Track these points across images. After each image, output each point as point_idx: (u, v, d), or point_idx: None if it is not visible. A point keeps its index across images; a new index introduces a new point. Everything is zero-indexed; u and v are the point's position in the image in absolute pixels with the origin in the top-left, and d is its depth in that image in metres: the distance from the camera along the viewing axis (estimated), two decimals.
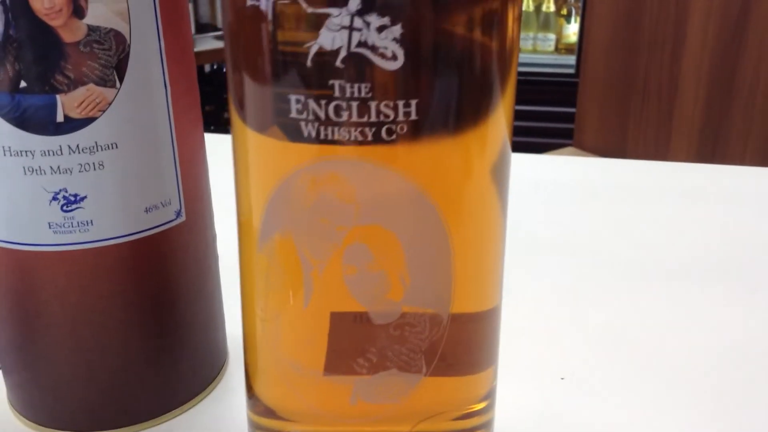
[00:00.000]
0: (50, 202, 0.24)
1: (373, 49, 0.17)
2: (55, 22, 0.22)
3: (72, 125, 0.23)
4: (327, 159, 0.18)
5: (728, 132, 1.23)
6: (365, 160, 0.18)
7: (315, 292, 0.20)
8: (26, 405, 0.27)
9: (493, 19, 0.18)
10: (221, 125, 1.82)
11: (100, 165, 0.24)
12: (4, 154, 0.23)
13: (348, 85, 0.17)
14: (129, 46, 0.23)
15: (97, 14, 0.22)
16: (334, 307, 0.21)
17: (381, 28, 0.17)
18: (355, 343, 0.21)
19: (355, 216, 0.19)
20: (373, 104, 0.17)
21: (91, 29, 0.22)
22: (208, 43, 1.77)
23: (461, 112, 0.19)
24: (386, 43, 0.17)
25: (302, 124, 0.18)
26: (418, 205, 0.19)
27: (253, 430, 0.24)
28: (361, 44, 0.17)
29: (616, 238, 0.44)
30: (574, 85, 1.64)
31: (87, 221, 0.24)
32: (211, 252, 0.29)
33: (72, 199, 0.24)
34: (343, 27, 0.17)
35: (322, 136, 0.18)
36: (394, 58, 0.17)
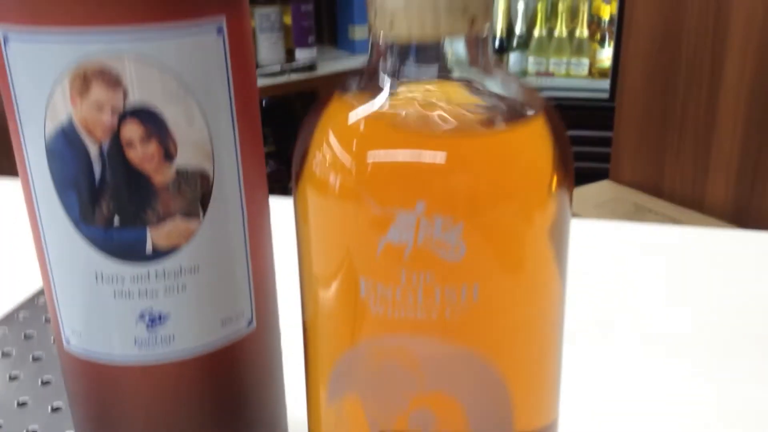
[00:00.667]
0: (137, 321, 0.26)
1: (438, 244, 0.19)
2: (147, 168, 0.24)
3: (159, 254, 0.25)
4: (394, 334, 0.20)
5: (766, 167, 1.23)
6: (429, 336, 0.20)
7: None
8: None
9: (544, 216, 0.20)
10: None
11: (183, 287, 0.26)
12: (97, 280, 0.25)
13: (414, 274, 0.19)
14: (212, 182, 0.25)
15: (186, 158, 0.24)
16: None
17: (445, 227, 0.18)
18: None
19: (420, 384, 0.21)
20: (437, 289, 0.19)
21: (180, 171, 0.24)
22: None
23: (518, 291, 0.20)
24: (450, 239, 0.19)
25: (371, 303, 0.20)
26: (479, 370, 0.21)
27: None
28: (427, 240, 0.19)
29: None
30: (609, 109, 1.64)
31: (169, 336, 0.26)
32: (277, 352, 0.31)
33: (157, 318, 0.26)
34: (410, 226, 0.19)
35: (389, 316, 0.20)
36: (457, 251, 0.19)
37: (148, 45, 0.23)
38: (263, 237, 0.28)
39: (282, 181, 1.72)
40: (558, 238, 0.21)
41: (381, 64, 0.21)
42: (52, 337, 0.41)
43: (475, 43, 0.20)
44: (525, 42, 2.80)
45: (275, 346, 0.30)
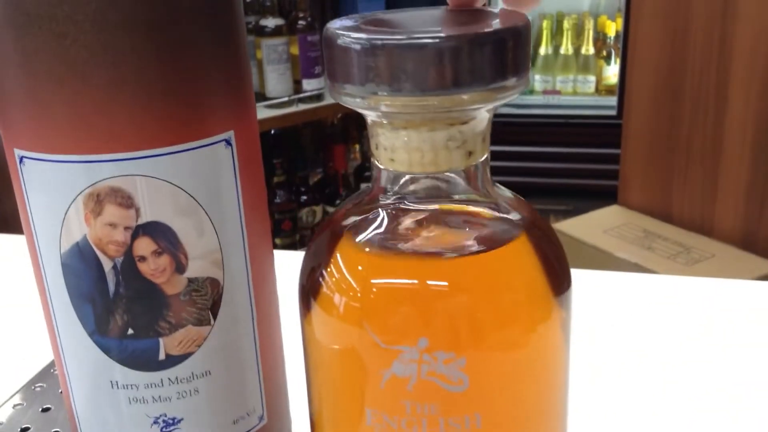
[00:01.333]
0: (151, 425, 0.26)
1: (441, 377, 0.19)
2: (159, 280, 0.25)
3: (172, 361, 0.26)
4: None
5: None
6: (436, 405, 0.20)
7: None
8: None
9: (546, 332, 0.21)
10: (269, 188, 1.86)
11: (195, 391, 0.26)
12: (112, 387, 0.26)
13: (418, 405, 0.20)
14: (222, 288, 0.26)
15: (196, 268, 0.25)
16: None
17: (447, 361, 0.19)
18: None
19: None
20: (441, 420, 0.20)
21: (191, 281, 0.25)
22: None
23: (522, 411, 0.21)
24: (452, 372, 0.19)
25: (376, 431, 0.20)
26: None
27: None
28: (430, 373, 0.19)
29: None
30: (617, 126, 1.65)
31: None
32: None
33: (171, 422, 0.26)
34: (413, 360, 0.19)
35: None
36: (461, 383, 0.19)
37: (157, 166, 0.24)
38: (273, 333, 0.29)
39: (291, 211, 1.73)
40: (561, 344, 0.22)
41: (383, 192, 0.21)
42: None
43: (473, 172, 0.21)
44: (531, 60, 2.81)
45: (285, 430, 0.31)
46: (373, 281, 0.20)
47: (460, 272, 0.20)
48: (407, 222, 0.21)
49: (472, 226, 0.22)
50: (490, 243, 0.21)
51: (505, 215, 0.21)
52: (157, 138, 0.23)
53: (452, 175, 0.20)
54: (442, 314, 0.19)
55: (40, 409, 0.43)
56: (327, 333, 0.21)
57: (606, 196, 1.63)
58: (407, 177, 0.20)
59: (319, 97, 1.69)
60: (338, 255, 0.21)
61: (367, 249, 0.21)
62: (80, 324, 0.25)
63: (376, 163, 0.21)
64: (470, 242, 0.21)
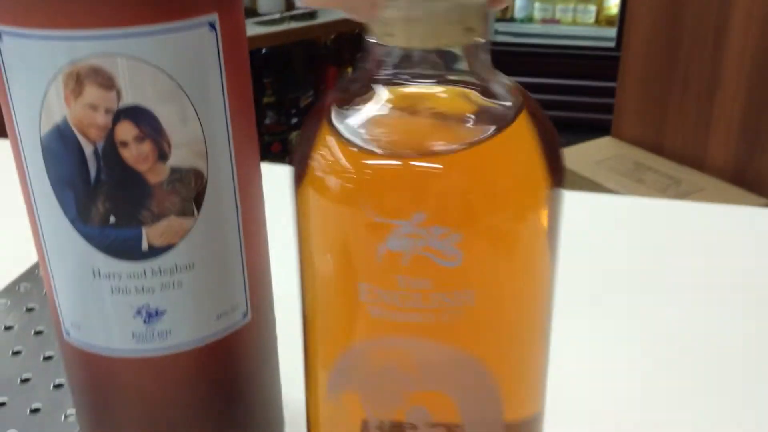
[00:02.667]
0: (134, 316, 0.26)
1: (435, 252, 0.19)
2: (142, 167, 0.24)
3: (155, 252, 0.25)
4: (392, 336, 0.21)
5: None
6: (426, 339, 0.20)
7: None
8: None
9: (538, 220, 0.20)
10: (259, 108, 1.83)
11: (178, 283, 0.26)
12: (94, 276, 0.26)
13: (412, 281, 0.19)
14: (206, 180, 0.25)
15: (180, 157, 0.24)
16: None
17: (443, 236, 0.19)
18: None
19: (416, 383, 0.21)
20: (434, 295, 0.19)
21: (174, 170, 0.25)
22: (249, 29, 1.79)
23: (514, 294, 0.21)
24: (447, 247, 0.19)
25: (369, 307, 0.20)
26: (473, 371, 0.21)
27: None
28: (425, 248, 0.19)
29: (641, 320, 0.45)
30: (615, 59, 1.63)
31: (166, 331, 0.27)
32: (272, 339, 0.31)
33: (153, 313, 0.26)
34: (409, 235, 0.19)
35: (388, 319, 0.20)
36: (455, 258, 0.19)
37: (139, 45, 0.23)
38: (258, 231, 0.28)
39: (281, 133, 1.71)
40: (552, 237, 0.22)
41: (378, 69, 0.20)
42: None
43: (472, 51, 0.20)
44: None
45: (270, 336, 0.31)
46: (367, 161, 0.20)
47: (455, 154, 0.20)
48: (402, 101, 0.21)
49: (468, 108, 0.21)
50: (486, 125, 0.21)
51: (502, 100, 0.21)
52: (138, 14, 0.22)
53: (450, 50, 0.20)
54: (437, 189, 0.19)
55: (24, 309, 0.43)
56: (323, 214, 0.21)
57: (600, 130, 1.62)
58: (403, 53, 0.20)
59: (312, 15, 1.65)
60: (331, 135, 0.21)
61: (362, 129, 0.20)
62: (61, 211, 0.25)
63: (371, 40, 0.20)
64: (467, 123, 0.21)
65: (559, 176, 0.21)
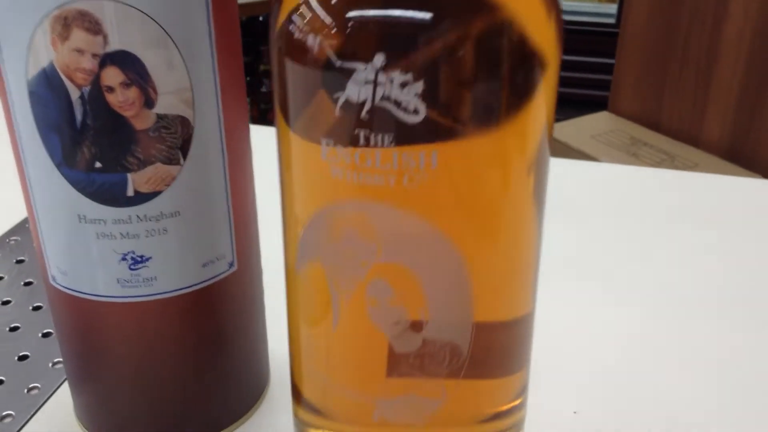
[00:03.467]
0: (119, 261, 0.26)
1: (396, 103, 0.18)
2: (128, 113, 0.24)
3: (140, 198, 0.26)
4: (353, 200, 0.20)
5: (764, 106, 1.22)
6: (387, 204, 0.20)
7: (342, 318, 0.23)
8: (93, 422, 0.31)
9: (512, 72, 0.19)
10: (256, 76, 1.82)
11: (164, 230, 0.26)
12: (80, 221, 0.26)
13: (372, 135, 0.19)
14: (193, 128, 0.26)
15: (166, 104, 0.25)
16: (360, 332, 0.23)
17: (403, 84, 0.18)
18: (378, 367, 0.23)
19: (377, 253, 0.21)
20: (395, 153, 0.19)
21: (160, 117, 0.25)
22: None
23: (479, 160, 0.20)
24: (408, 98, 0.18)
25: (331, 167, 0.20)
26: (437, 245, 0.21)
27: (301, 426, 0.27)
28: (385, 98, 0.18)
29: (643, 263, 0.46)
30: (614, 35, 1.62)
31: (151, 277, 0.27)
32: (258, 291, 0.32)
33: (138, 259, 0.27)
34: (368, 82, 0.18)
35: (348, 179, 0.20)
36: (416, 112, 0.18)
37: None
38: (245, 181, 0.29)
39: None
40: (524, 98, 0.20)
41: None
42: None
43: None
44: None
45: (256, 285, 0.31)
46: (331, 2, 0.19)
47: None
48: None
49: None
50: None
51: None
52: None
53: None
54: (399, 30, 0.18)
55: (14, 261, 0.43)
56: (291, 62, 0.20)
57: (599, 107, 1.61)
58: None
59: None
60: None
61: None
62: (48, 155, 0.25)
63: None
64: None
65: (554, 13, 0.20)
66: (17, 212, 0.48)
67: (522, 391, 0.26)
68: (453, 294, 0.22)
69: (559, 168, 0.44)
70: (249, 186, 0.29)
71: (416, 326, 0.22)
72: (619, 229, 0.49)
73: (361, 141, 0.19)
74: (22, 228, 0.46)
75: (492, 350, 0.24)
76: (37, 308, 0.39)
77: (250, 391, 0.32)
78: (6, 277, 0.41)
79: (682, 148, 1.29)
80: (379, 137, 0.19)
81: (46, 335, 0.37)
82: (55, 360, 0.35)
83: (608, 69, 1.75)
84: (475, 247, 0.22)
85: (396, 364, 0.23)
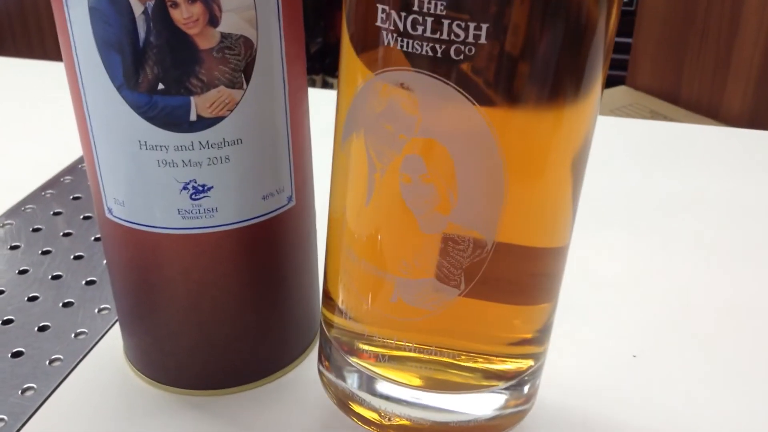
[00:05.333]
0: (180, 191, 0.26)
1: None
2: (192, 31, 0.23)
3: (203, 123, 0.25)
4: (399, 69, 0.20)
5: None
6: (432, 75, 0.20)
7: (375, 193, 0.23)
8: (146, 364, 0.30)
9: None
10: None
11: (226, 159, 0.25)
12: (141, 148, 0.25)
13: (426, 1, 0.19)
14: (256, 50, 0.25)
15: (230, 23, 0.24)
16: (391, 209, 0.23)
17: None
18: (403, 246, 0.23)
19: (415, 127, 0.21)
20: (446, 22, 0.19)
21: (224, 36, 0.24)
22: None
23: (532, 45, 0.20)
24: None
25: (384, 33, 0.20)
26: (476, 129, 0.21)
27: (326, 327, 0.27)
28: None
29: (692, 210, 0.45)
30: (631, 13, 1.60)
31: (212, 208, 0.26)
32: (313, 229, 0.31)
33: (200, 189, 0.26)
34: None
35: (398, 47, 0.20)
36: None
37: None
38: (302, 114, 0.28)
39: None
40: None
41: None
42: (81, 215, 0.42)
43: None
44: None
45: (312, 224, 0.30)
46: None
47: None
48: None
49: None
50: None
51: None
52: None
53: None
54: None
55: (51, 213, 0.42)
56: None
57: (613, 86, 1.59)
58: None
59: None
60: None
61: None
62: (107, 76, 0.24)
63: None
64: None
65: None
66: (49, 168, 0.47)
67: (541, 330, 0.26)
68: (484, 182, 0.21)
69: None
70: (306, 120, 0.28)
71: (444, 207, 0.22)
72: (673, 178, 0.48)
73: (415, 6, 0.19)
74: (56, 182, 0.45)
75: (519, 272, 0.24)
76: (78, 257, 0.38)
77: (305, 332, 0.32)
78: (44, 229, 0.40)
79: (702, 121, 1.27)
80: (432, 3, 0.19)
81: (89, 282, 0.36)
82: (102, 306, 0.34)
83: (625, 48, 1.73)
84: (515, 139, 0.21)
85: (420, 245, 0.23)
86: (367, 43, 0.22)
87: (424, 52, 0.20)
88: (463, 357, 0.25)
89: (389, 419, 0.25)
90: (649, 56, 1.40)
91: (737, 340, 0.33)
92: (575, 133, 0.22)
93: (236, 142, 0.25)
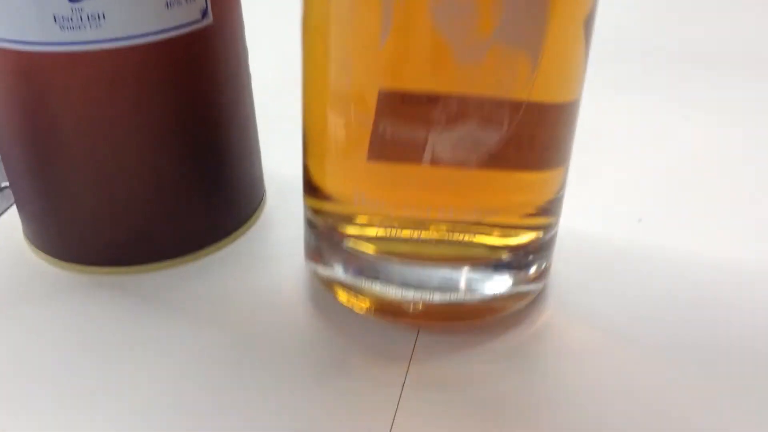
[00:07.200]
0: None
1: None
2: None
3: None
4: None
5: None
6: None
7: (394, 27, 0.18)
8: (43, 238, 0.25)
9: None
10: None
11: None
12: None
13: None
14: None
15: None
16: (413, 47, 0.18)
17: None
18: (438, 87, 0.18)
19: None
20: None
21: None
22: None
23: None
24: None
25: None
26: None
27: (312, 215, 0.23)
28: None
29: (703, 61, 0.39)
30: None
31: (98, 14, 0.20)
32: (244, 69, 0.25)
33: None
34: None
35: None
36: None
37: None
38: None
39: None
40: None
41: None
42: None
43: None
44: None
45: (240, 57, 0.24)
46: None
47: None
48: None
49: None
50: None
51: None
52: None
53: None
54: None
55: None
56: None
57: None
58: None
59: None
60: None
61: None
62: None
63: None
64: None
65: None
66: None
67: (552, 201, 0.22)
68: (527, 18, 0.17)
69: None
70: None
71: (485, 27, 0.17)
72: (688, 33, 0.42)
73: None
74: None
75: (542, 132, 0.20)
76: None
77: (242, 200, 0.26)
78: None
79: None
80: None
81: None
82: (4, 185, 0.29)
83: None
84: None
85: (458, 78, 0.18)
86: None
87: None
88: (474, 228, 0.21)
89: (411, 306, 0.22)
90: None
91: (745, 208, 0.28)
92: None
93: None
